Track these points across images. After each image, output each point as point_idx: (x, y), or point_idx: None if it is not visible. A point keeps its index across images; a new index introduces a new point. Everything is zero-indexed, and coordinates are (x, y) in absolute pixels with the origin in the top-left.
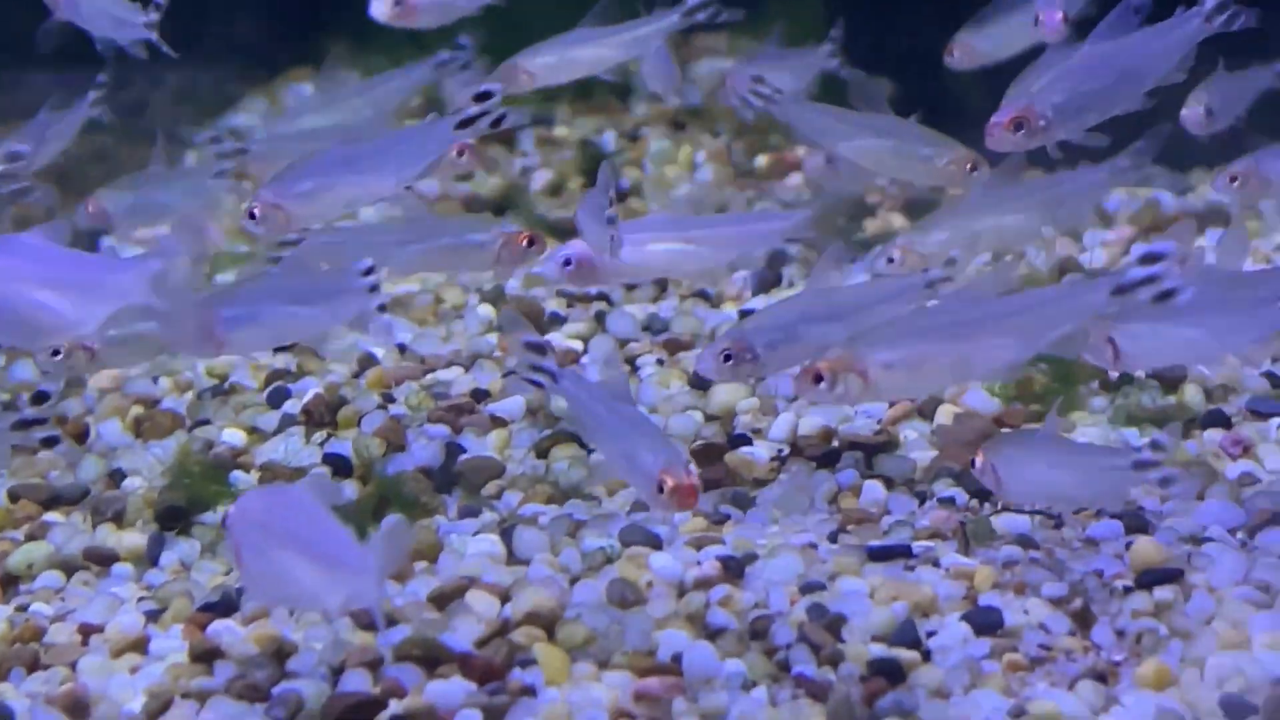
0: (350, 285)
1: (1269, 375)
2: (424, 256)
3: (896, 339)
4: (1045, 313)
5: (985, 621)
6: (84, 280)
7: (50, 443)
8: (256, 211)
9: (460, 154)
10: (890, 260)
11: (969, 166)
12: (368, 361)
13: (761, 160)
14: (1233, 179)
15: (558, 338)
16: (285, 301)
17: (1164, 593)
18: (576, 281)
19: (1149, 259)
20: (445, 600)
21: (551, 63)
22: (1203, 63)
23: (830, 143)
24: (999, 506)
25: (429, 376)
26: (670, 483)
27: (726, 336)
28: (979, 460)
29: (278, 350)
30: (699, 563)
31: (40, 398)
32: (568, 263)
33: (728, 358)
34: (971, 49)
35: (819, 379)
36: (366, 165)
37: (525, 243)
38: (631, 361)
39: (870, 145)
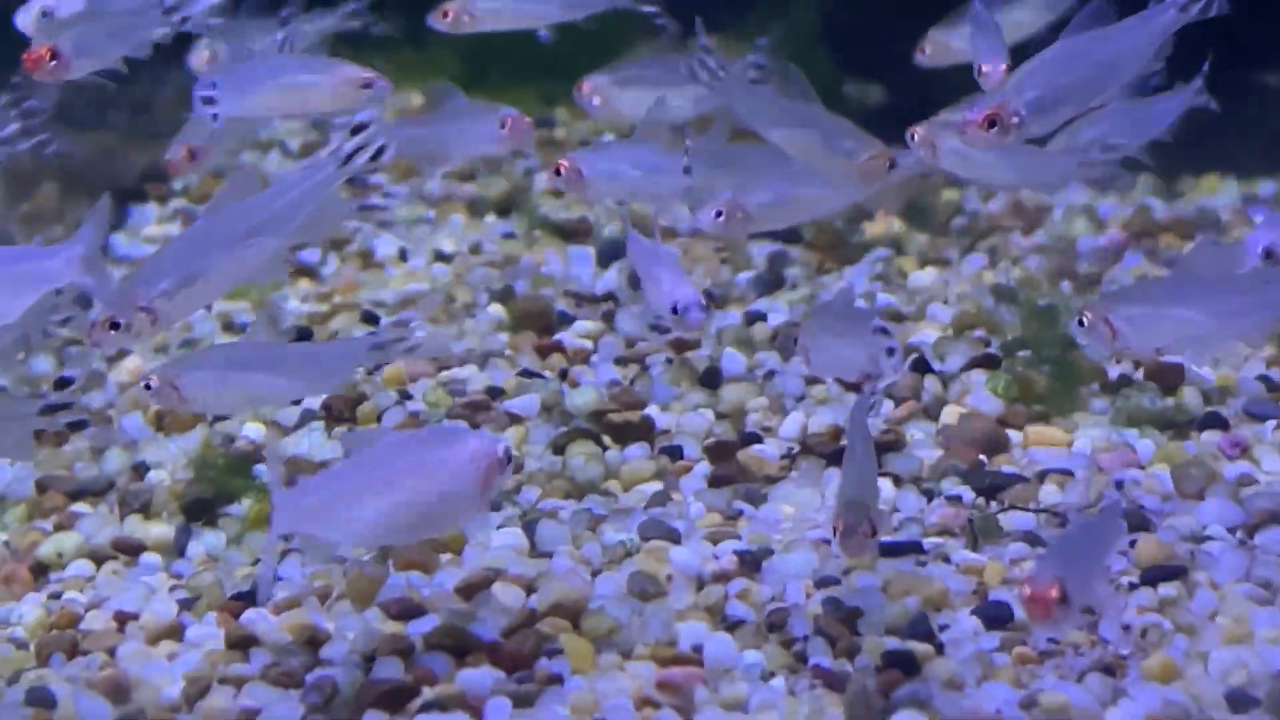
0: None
1: (1264, 379)
2: (426, 138)
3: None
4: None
5: (995, 615)
6: (10, 269)
7: (77, 426)
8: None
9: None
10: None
11: (888, 164)
12: None
13: None
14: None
15: (567, 337)
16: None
17: (1168, 589)
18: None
19: None
20: (472, 591)
21: (496, 8)
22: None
23: (761, 127)
24: (1005, 505)
25: (444, 374)
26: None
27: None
28: None
29: None
30: (716, 557)
31: (63, 383)
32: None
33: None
34: (943, 46)
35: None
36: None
37: (509, 123)
38: (641, 360)
39: (797, 135)
